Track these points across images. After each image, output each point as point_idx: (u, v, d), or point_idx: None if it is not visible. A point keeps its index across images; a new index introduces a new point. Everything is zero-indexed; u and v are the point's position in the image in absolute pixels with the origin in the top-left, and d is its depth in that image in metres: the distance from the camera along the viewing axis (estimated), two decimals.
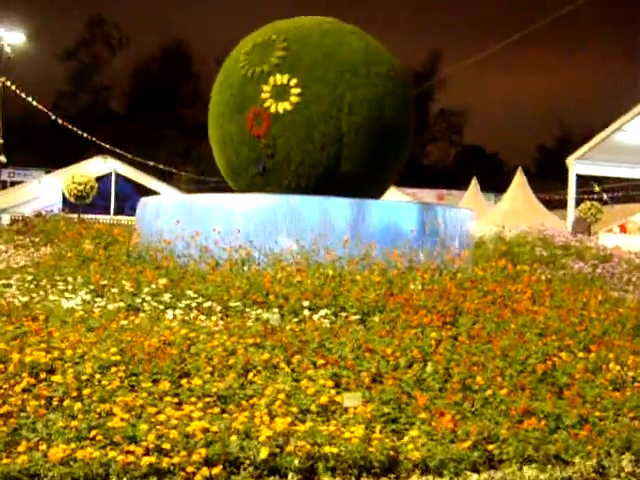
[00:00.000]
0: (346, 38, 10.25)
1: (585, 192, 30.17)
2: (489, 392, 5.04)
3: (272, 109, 9.68)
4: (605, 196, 29.71)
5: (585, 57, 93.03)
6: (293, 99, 9.62)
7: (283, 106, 9.62)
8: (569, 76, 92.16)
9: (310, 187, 9.86)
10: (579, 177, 23.10)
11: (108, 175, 33.54)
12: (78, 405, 4.46)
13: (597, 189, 30.82)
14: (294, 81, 9.66)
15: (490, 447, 4.37)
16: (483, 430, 4.46)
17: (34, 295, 7.21)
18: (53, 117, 31.73)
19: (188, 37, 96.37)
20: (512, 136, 79.57)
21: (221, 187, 15.68)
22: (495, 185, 38.83)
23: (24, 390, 4.69)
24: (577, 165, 22.58)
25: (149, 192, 26.88)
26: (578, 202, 26.22)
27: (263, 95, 9.75)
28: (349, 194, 9.32)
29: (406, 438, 4.36)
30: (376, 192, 10.46)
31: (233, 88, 10.14)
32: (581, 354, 6.06)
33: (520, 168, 27.56)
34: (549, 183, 43.38)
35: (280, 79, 9.70)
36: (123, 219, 24.57)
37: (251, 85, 9.90)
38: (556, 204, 33.32)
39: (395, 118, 10.02)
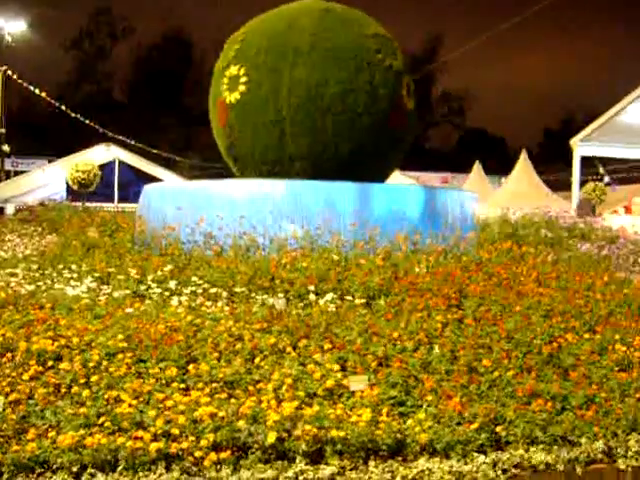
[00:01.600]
0: (300, 20, 10.20)
1: (590, 173, 30.05)
2: (495, 374, 5.05)
3: (227, 100, 10.20)
4: (607, 178, 29.61)
5: (588, 38, 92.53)
6: (241, 88, 10.03)
7: (234, 96, 10.10)
8: (572, 58, 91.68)
9: (275, 173, 10.15)
10: (583, 159, 23.01)
11: (111, 163, 33.44)
12: (86, 392, 4.49)
13: (601, 171, 30.69)
14: (242, 70, 10.07)
15: (497, 429, 4.38)
16: (490, 412, 4.47)
17: (40, 284, 7.22)
18: (57, 104, 31.67)
19: (189, 25, 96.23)
20: (516, 119, 79.54)
21: (224, 173, 15.67)
22: (499, 168, 38.68)
23: (32, 378, 4.72)
24: (581, 147, 22.48)
25: (152, 179, 26.82)
26: (583, 183, 26.14)
27: (222, 87, 10.29)
28: (316, 177, 9.42)
29: (412, 421, 4.37)
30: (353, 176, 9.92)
31: (212, 83, 10.77)
32: (587, 335, 6.06)
33: (524, 150, 27.49)
34: (553, 165, 43.26)
35: (234, 70, 10.15)
36: (127, 206, 24.53)
37: (218, 79, 10.53)
38: (560, 186, 33.21)
39: (338, 98, 9.78)
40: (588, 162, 26.52)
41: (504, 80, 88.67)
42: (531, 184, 25.83)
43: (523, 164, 26.72)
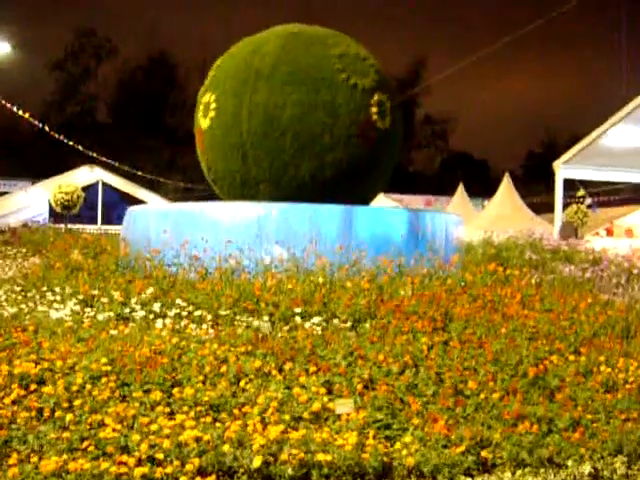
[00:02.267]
0: (266, 45, 10.43)
1: (571, 196, 30.28)
2: (482, 396, 5.05)
3: (202, 126, 10.60)
4: (589, 200, 29.82)
5: (569, 62, 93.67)
6: (211, 114, 10.42)
7: (206, 122, 10.48)
8: (554, 81, 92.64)
9: (244, 196, 10.43)
10: (566, 181, 23.17)
11: (95, 184, 33.38)
12: (69, 416, 4.43)
13: (582, 193, 30.91)
14: (212, 97, 10.45)
15: (484, 452, 4.36)
16: (476, 435, 4.46)
17: (23, 306, 7.16)
18: (40, 125, 31.53)
19: (173, 45, 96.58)
20: (498, 142, 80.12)
21: (208, 196, 15.66)
22: (482, 190, 38.91)
23: (14, 402, 4.66)
24: (563, 169, 22.64)
25: (136, 201, 26.79)
26: (565, 206, 26.31)
27: (199, 114, 10.72)
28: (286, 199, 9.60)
29: (399, 444, 4.35)
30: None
31: (195, 110, 11.07)
32: (572, 357, 6.08)
33: (507, 173, 27.66)
34: (536, 187, 43.58)
35: (207, 97, 10.57)
36: (111, 229, 24.45)
37: (197, 105, 10.90)
38: (543, 208, 33.41)
39: (295, 119, 9.91)
40: (570, 185, 26.71)
41: (487, 103, 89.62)
42: (514, 207, 25.97)
43: (506, 187, 26.86)
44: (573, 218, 25.70)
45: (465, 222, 12.33)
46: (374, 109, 10.28)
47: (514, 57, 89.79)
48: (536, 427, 4.66)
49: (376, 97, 10.32)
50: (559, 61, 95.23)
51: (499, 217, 24.01)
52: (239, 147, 10.12)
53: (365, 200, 10.86)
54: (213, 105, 10.36)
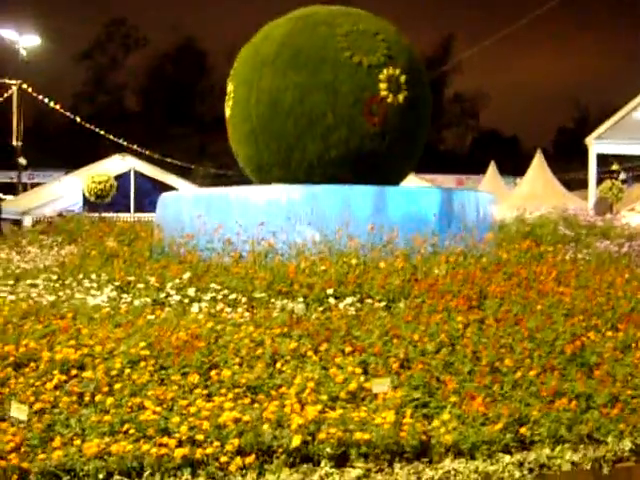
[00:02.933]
0: (275, 30, 10.52)
1: (605, 171, 29.87)
2: (518, 374, 5.02)
3: (226, 115, 11.04)
4: (623, 175, 29.38)
5: (601, 35, 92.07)
6: (229, 103, 10.78)
7: (228, 112, 10.88)
8: (585, 56, 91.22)
9: (264, 180, 10.64)
10: (599, 156, 22.89)
11: (127, 173, 33.69)
12: (110, 400, 4.50)
13: (616, 167, 30.48)
14: (231, 87, 10.76)
15: (522, 429, 4.35)
16: (514, 412, 4.45)
17: (61, 294, 7.26)
18: (71, 117, 31.89)
19: (202, 33, 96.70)
20: (529, 118, 79.05)
21: (239, 181, 15.73)
22: (514, 168, 38.56)
23: (56, 387, 4.74)
24: (596, 145, 22.38)
25: (168, 188, 26.95)
26: (599, 182, 25.96)
27: (225, 103, 11.05)
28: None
29: (437, 422, 4.35)
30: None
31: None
32: (609, 333, 6.02)
33: (539, 150, 27.38)
34: (568, 164, 43.06)
35: (229, 86, 10.85)
36: (144, 216, 24.67)
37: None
38: (576, 185, 33.03)
39: (297, 101, 9.92)
40: (604, 160, 26.34)
41: (517, 79, 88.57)
42: (547, 184, 25.73)
43: (538, 164, 26.61)
44: (608, 194, 25.36)
45: (497, 200, 12.24)
46: (383, 85, 10.07)
47: (545, 32, 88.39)
48: (574, 404, 4.63)
49: (386, 72, 10.07)
50: (591, 34, 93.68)
51: (531, 194, 23.81)
52: (250, 133, 10.35)
53: (389, 179, 10.73)
54: (232, 94, 10.65)
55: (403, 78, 10.24)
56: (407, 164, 11.29)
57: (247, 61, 10.58)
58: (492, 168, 31.14)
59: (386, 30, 10.56)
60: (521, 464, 4.09)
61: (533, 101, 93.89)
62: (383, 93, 10.07)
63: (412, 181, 25.03)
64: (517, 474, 4.03)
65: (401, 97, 10.24)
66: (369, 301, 6.63)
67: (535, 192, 24.41)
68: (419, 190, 10.49)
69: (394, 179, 10.82)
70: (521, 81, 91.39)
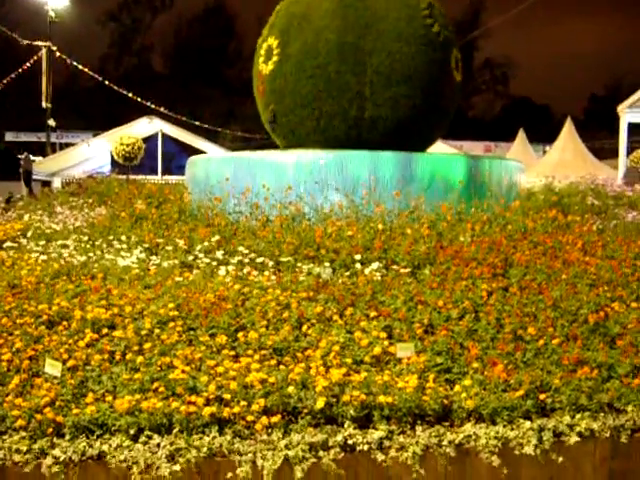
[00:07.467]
0: None
1: (637, 141, 29.42)
2: (541, 342, 5.07)
3: (263, 71, 10.49)
4: None
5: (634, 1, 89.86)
6: (274, 58, 10.22)
7: (268, 67, 10.32)
8: (618, 22, 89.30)
9: (294, 144, 10.40)
10: (631, 125, 22.56)
11: (154, 136, 33.79)
12: (140, 358, 4.63)
13: None
14: (275, 42, 10.26)
15: (542, 396, 4.41)
16: (535, 379, 4.51)
17: (91, 254, 7.40)
18: (99, 78, 31.98)
19: None
20: (560, 85, 77.77)
21: (267, 144, 15.76)
22: (543, 136, 38.19)
23: (88, 345, 4.89)
24: (629, 113, 22.06)
25: (195, 151, 27.01)
26: (630, 151, 25.61)
27: (260, 59, 10.62)
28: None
29: (459, 387, 4.43)
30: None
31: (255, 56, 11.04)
32: (634, 304, 6.00)
33: (569, 117, 27.03)
34: (599, 132, 42.49)
35: (270, 41, 10.34)
36: (171, 179, 24.83)
37: (257, 51, 10.78)
38: (606, 154, 32.62)
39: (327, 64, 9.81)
40: (635, 129, 25.95)
41: (548, 46, 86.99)
42: (576, 152, 25.44)
43: (568, 132, 26.29)
44: (638, 163, 25.03)
45: (526, 168, 12.16)
46: (453, 63, 10.08)
47: None
48: (596, 373, 4.67)
49: (455, 51, 10.22)
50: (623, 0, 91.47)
51: (560, 163, 23.59)
52: (281, 90, 10.17)
53: (424, 147, 10.73)
54: (277, 50, 10.17)
55: (460, 58, 10.29)
56: (437, 131, 11.23)
57: (285, 18, 10.23)
58: (521, 135, 30.82)
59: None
60: (541, 430, 4.16)
61: (566, 67, 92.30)
62: (454, 72, 10.17)
63: (439, 147, 24.87)
64: (536, 440, 4.10)
65: (459, 76, 10.29)
66: (394, 267, 6.68)
67: (564, 160, 24.17)
68: (446, 157, 10.42)
69: (422, 145, 10.79)
70: (553, 47, 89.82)
